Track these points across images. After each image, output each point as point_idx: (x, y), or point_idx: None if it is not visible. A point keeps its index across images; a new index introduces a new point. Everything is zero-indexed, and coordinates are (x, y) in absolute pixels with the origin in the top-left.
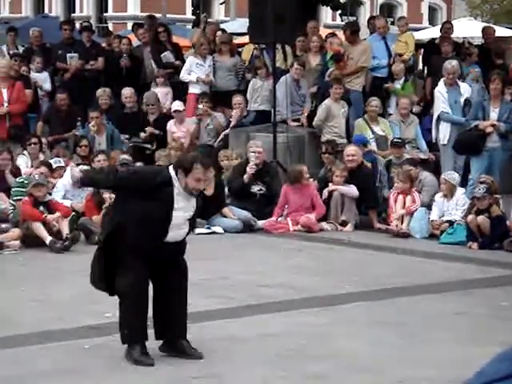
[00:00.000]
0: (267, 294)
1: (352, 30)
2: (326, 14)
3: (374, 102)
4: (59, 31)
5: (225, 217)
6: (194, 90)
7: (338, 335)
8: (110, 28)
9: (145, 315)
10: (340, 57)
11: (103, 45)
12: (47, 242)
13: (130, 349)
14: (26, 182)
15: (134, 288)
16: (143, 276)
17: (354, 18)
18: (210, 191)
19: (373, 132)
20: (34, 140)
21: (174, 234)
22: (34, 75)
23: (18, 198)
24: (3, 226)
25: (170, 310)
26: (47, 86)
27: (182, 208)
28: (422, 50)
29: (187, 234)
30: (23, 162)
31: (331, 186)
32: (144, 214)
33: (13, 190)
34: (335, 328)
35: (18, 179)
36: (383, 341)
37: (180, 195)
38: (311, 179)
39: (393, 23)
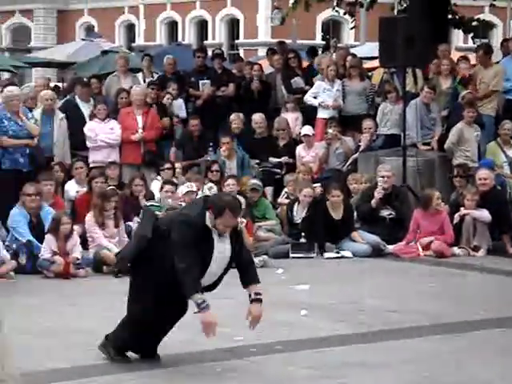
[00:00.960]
0: (397, 320)
1: (485, 51)
2: (458, 36)
3: (508, 125)
4: (192, 58)
5: (354, 241)
6: (322, 114)
7: (472, 362)
8: (241, 54)
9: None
10: (468, 81)
11: (234, 71)
12: None
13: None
14: (155, 205)
15: (147, 315)
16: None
17: (487, 41)
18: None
19: (506, 155)
20: (167, 165)
21: (207, 279)
22: (168, 102)
23: None
24: None
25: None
26: (182, 112)
27: (218, 247)
28: None
29: (217, 283)
30: (157, 187)
31: (463, 211)
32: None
33: (141, 214)
34: (469, 355)
35: (147, 203)
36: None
37: (215, 235)
38: (442, 203)
39: None
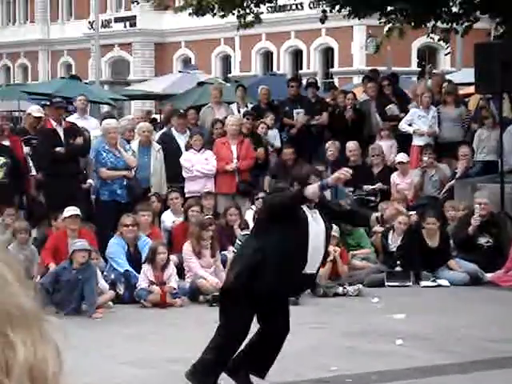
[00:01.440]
0: (495, 349)
1: None
2: None
3: None
4: (286, 88)
5: (451, 269)
6: (418, 141)
7: None
8: (336, 82)
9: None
10: None
11: (328, 99)
12: None
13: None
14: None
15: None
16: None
17: None
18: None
19: None
20: (261, 195)
21: (310, 263)
22: (263, 132)
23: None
24: None
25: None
26: (277, 142)
27: (313, 225)
28: None
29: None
30: (251, 216)
31: None
32: (286, 246)
33: (236, 243)
34: None
35: (242, 233)
36: None
37: (309, 217)
38: None
39: None
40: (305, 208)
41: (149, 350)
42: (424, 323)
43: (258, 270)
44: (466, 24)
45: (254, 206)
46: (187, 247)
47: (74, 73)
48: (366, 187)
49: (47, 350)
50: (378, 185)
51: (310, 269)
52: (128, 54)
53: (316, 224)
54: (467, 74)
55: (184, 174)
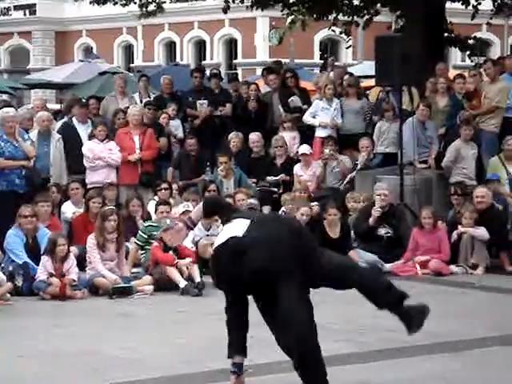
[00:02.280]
0: (396, 339)
1: (493, 63)
2: (456, 55)
3: None
4: (190, 79)
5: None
6: (320, 133)
7: (472, 381)
8: (239, 74)
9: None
10: (472, 96)
11: (230, 91)
12: (182, 286)
13: None
14: (153, 226)
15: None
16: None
17: (484, 59)
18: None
19: (507, 172)
20: (164, 186)
21: None
22: (165, 122)
23: (140, 242)
24: (134, 270)
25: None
26: (179, 133)
27: None
28: None
29: None
30: (154, 207)
31: (460, 229)
32: None
33: (138, 234)
34: (469, 373)
35: (144, 223)
36: None
37: None
38: (439, 222)
39: None
40: None
41: (48, 342)
42: (325, 314)
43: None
44: (367, 17)
45: (156, 197)
46: (91, 239)
47: None
48: (269, 178)
49: None
50: (281, 176)
51: None
52: (28, 43)
53: None
54: (369, 67)
55: (86, 164)
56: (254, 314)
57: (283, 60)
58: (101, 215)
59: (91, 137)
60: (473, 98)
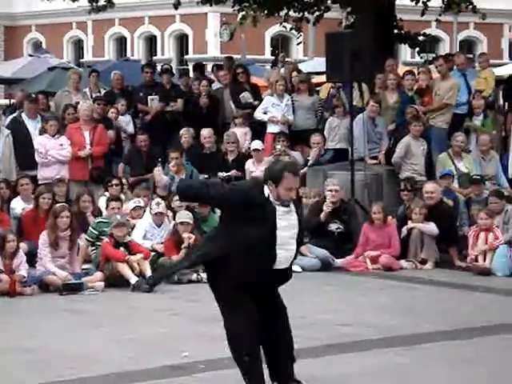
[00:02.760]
0: (347, 333)
1: (445, 60)
2: (405, 51)
3: (460, 138)
4: (141, 74)
5: (303, 255)
6: (272, 129)
7: (420, 375)
8: (190, 69)
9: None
10: (423, 92)
11: (181, 86)
12: (133, 282)
13: None
14: (104, 222)
15: (248, 328)
16: (254, 313)
17: (434, 55)
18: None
19: (456, 168)
20: (115, 181)
21: (283, 257)
22: (114, 117)
23: (91, 238)
24: (85, 266)
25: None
26: (130, 128)
27: (285, 223)
28: (502, 86)
29: (294, 257)
30: (104, 203)
31: (410, 224)
32: (248, 238)
33: (89, 230)
34: (418, 368)
35: (95, 220)
36: (466, 381)
37: (279, 211)
38: (390, 217)
39: (473, 60)
40: (276, 204)
41: None
42: None
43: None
44: (318, 13)
45: (107, 193)
46: (43, 236)
47: None
48: (220, 174)
49: None
50: (233, 172)
51: (280, 265)
52: None
53: (286, 220)
54: (319, 63)
55: (38, 160)
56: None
57: (234, 56)
58: (52, 212)
59: (42, 132)
60: (424, 95)
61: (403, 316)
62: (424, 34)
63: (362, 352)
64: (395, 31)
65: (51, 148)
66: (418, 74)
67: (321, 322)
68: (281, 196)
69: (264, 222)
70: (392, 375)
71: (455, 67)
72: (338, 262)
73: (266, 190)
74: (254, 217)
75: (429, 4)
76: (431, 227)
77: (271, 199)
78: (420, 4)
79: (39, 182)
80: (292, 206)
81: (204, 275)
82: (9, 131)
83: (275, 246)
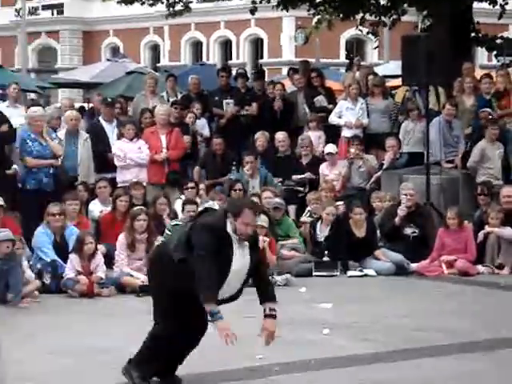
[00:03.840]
0: (421, 338)
1: None
2: (482, 54)
3: None
4: (216, 78)
5: (377, 259)
6: (346, 133)
7: (496, 382)
8: (266, 74)
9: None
10: (501, 96)
11: (256, 90)
12: None
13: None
14: (179, 224)
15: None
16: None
17: (511, 59)
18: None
19: None
20: (190, 185)
21: (227, 290)
22: (191, 121)
23: None
24: None
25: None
26: (205, 132)
27: (238, 256)
28: None
29: (237, 295)
30: (180, 206)
31: (487, 229)
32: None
33: (165, 233)
34: (495, 373)
35: (171, 222)
36: None
37: (235, 243)
38: (466, 222)
39: None
40: (234, 240)
41: (76, 339)
42: (350, 313)
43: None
44: (394, 17)
45: (183, 196)
46: (121, 239)
47: None
48: (294, 177)
49: None
50: (307, 174)
51: (224, 295)
52: (55, 42)
53: (241, 257)
54: (395, 67)
55: (117, 163)
56: (280, 312)
57: (309, 60)
58: (130, 215)
59: (119, 136)
60: (502, 98)
61: (479, 322)
62: (501, 38)
63: (438, 357)
64: (472, 34)
65: (129, 152)
66: (496, 77)
67: (394, 326)
68: (238, 228)
69: (221, 252)
70: (466, 381)
71: None
72: (413, 266)
73: (228, 222)
74: (217, 245)
75: (506, 7)
76: (508, 232)
77: (229, 230)
78: (497, 7)
79: (118, 185)
80: (246, 245)
81: (278, 278)
82: (87, 135)
83: (224, 280)
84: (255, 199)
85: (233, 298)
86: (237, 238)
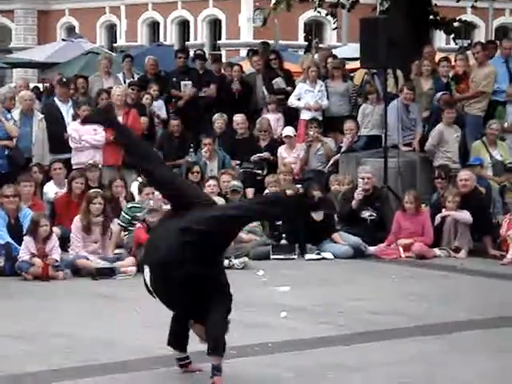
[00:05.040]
0: (379, 321)
1: (482, 47)
2: (440, 37)
3: (495, 125)
4: (173, 59)
5: (335, 242)
6: (304, 115)
7: (453, 364)
8: (223, 55)
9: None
10: (460, 79)
11: (213, 72)
12: None
13: None
14: (137, 207)
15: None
16: None
17: (469, 42)
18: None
19: (491, 156)
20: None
21: None
22: (148, 103)
23: (124, 223)
24: (117, 251)
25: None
26: (162, 113)
27: None
28: None
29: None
30: (137, 189)
31: (444, 212)
32: None
33: (121, 215)
34: (450, 356)
35: (127, 205)
36: (501, 370)
37: None
38: (423, 205)
39: None
40: None
41: (30, 323)
42: (308, 296)
43: None
44: None
45: (140, 178)
46: (76, 221)
47: None
48: (253, 157)
49: None
50: (266, 153)
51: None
52: (10, 21)
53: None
54: (353, 49)
55: (72, 145)
56: (237, 295)
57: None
58: (86, 198)
59: (75, 117)
60: (461, 81)
61: (436, 304)
62: (460, 20)
63: (394, 340)
64: (430, 17)
65: (85, 133)
66: (455, 60)
67: (351, 309)
68: None
69: None
70: (424, 363)
71: (499, 53)
72: (371, 249)
73: None
74: None
75: None
76: (465, 215)
77: None
78: None
79: (73, 167)
80: None
81: (236, 261)
82: (42, 115)
83: None
84: (213, 182)
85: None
86: None
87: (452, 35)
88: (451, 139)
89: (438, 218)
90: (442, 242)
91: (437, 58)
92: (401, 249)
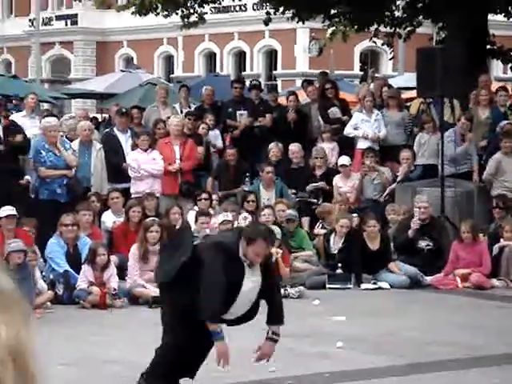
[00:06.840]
0: (434, 352)
1: None
2: (497, 66)
3: None
4: (230, 89)
5: (391, 272)
6: (361, 145)
7: None
8: (279, 85)
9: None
10: None
11: (269, 101)
12: None
13: None
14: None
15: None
16: (187, 342)
17: None
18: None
19: None
20: (204, 196)
21: (235, 311)
22: (204, 132)
23: None
24: None
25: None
26: (219, 143)
27: (247, 278)
28: None
29: (250, 315)
30: (193, 217)
31: (502, 242)
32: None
33: None
34: None
35: None
36: None
37: (246, 268)
38: (481, 234)
39: None
40: (245, 265)
41: (88, 350)
42: (364, 325)
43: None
44: (409, 28)
45: (196, 207)
46: (133, 250)
47: (13, 70)
48: (308, 187)
49: (27, 331)
50: (321, 183)
51: (233, 315)
52: (69, 53)
53: (250, 279)
54: (409, 79)
55: (131, 174)
56: (293, 324)
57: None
58: (143, 226)
59: (134, 147)
60: None
61: (494, 335)
62: None
63: (447, 371)
64: (487, 46)
65: (144, 163)
66: None
67: (407, 339)
68: (247, 256)
69: (231, 273)
70: None
71: None
72: (428, 279)
73: (240, 245)
74: (227, 266)
75: None
76: None
77: (240, 255)
78: None
79: (132, 196)
80: (258, 269)
81: (291, 290)
82: (101, 145)
83: (232, 302)
84: (268, 211)
85: (246, 317)
86: (247, 263)
87: (509, 64)
88: (509, 169)
89: (495, 248)
90: (499, 272)
91: (494, 87)
92: (458, 279)
